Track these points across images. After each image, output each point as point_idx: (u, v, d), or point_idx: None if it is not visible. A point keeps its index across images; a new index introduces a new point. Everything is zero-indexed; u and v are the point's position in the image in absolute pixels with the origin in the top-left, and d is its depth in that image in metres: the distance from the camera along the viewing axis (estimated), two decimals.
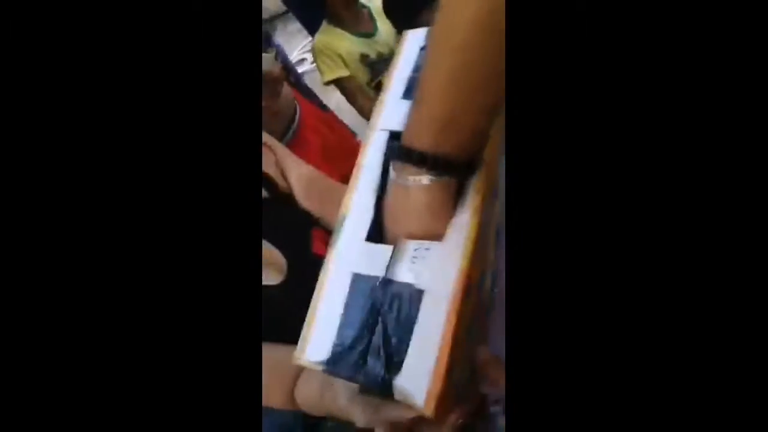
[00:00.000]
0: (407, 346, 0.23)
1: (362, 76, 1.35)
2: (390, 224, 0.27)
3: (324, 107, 1.41)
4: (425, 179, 0.25)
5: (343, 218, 0.27)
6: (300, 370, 0.46)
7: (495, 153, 0.28)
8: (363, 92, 1.35)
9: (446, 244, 0.25)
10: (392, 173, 0.27)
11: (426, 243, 0.25)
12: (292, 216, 0.58)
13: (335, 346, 0.24)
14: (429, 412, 0.22)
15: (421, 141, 0.25)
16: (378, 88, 1.31)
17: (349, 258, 0.26)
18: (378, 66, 1.32)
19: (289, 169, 0.60)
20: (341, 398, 0.31)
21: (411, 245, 0.25)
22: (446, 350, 0.22)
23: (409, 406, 0.24)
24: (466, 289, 0.24)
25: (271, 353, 0.47)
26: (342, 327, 0.24)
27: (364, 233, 0.26)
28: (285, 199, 0.59)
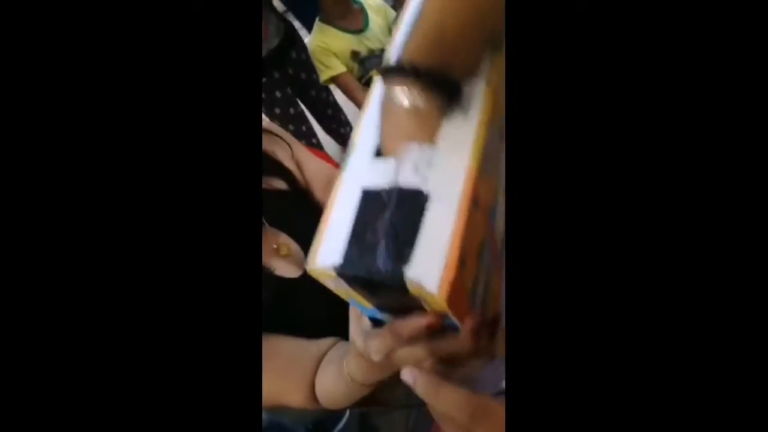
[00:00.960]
0: (416, 241, 0.23)
1: (353, 73, 1.36)
2: (386, 138, 0.28)
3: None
4: (415, 91, 0.25)
5: (354, 144, 0.28)
6: (318, 364, 0.45)
7: (500, 80, 0.29)
8: (361, 86, 1.35)
9: (451, 151, 0.25)
10: (384, 89, 0.28)
11: (428, 150, 0.25)
12: (310, 210, 0.57)
13: (346, 250, 0.24)
14: (443, 297, 0.22)
15: (412, 55, 0.26)
16: (368, 84, 1.31)
17: (358, 174, 0.27)
18: (369, 62, 1.33)
19: (305, 163, 0.61)
20: (358, 339, 0.31)
21: (414, 154, 0.26)
22: (458, 242, 0.23)
23: (425, 312, 0.25)
24: (474, 187, 0.24)
25: (288, 349, 0.47)
26: (352, 234, 0.25)
27: (372, 151, 0.27)
28: (303, 192, 0.59)
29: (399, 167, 0.25)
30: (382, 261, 0.23)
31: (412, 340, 0.27)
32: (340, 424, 0.65)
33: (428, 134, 0.26)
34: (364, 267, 0.24)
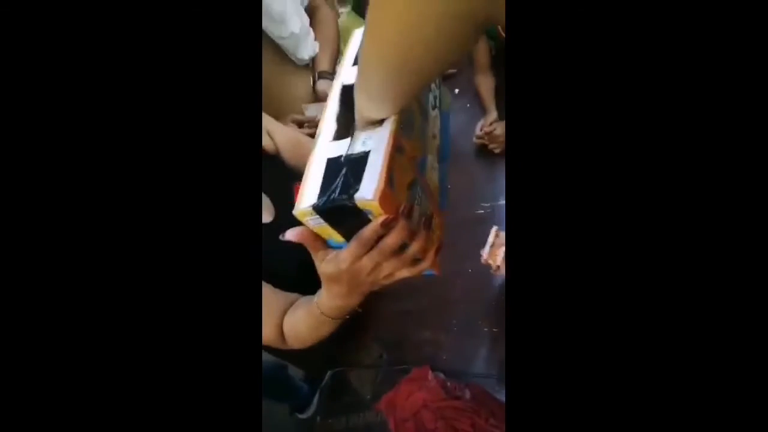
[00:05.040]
0: (361, 177, 0.35)
1: None
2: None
3: None
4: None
5: (319, 132, 0.40)
6: (286, 308, 0.53)
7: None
8: None
9: (382, 130, 0.37)
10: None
11: (370, 131, 0.37)
12: (278, 171, 0.65)
13: (318, 195, 0.36)
14: (377, 199, 0.33)
15: (359, 105, 0.37)
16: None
17: (323, 151, 0.38)
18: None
19: (274, 132, 0.68)
20: (327, 265, 0.40)
21: (362, 134, 0.38)
22: (385, 166, 0.34)
23: (369, 221, 0.35)
24: (395, 141, 0.36)
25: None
26: (321, 186, 0.36)
27: (331, 137, 0.39)
28: (271, 157, 0.66)
29: (353, 143, 0.37)
30: (338, 193, 0.35)
31: (370, 242, 0.37)
32: (323, 381, 0.73)
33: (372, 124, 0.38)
34: (329, 200, 0.35)
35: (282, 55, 0.94)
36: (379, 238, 0.37)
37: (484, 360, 0.62)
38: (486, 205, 0.83)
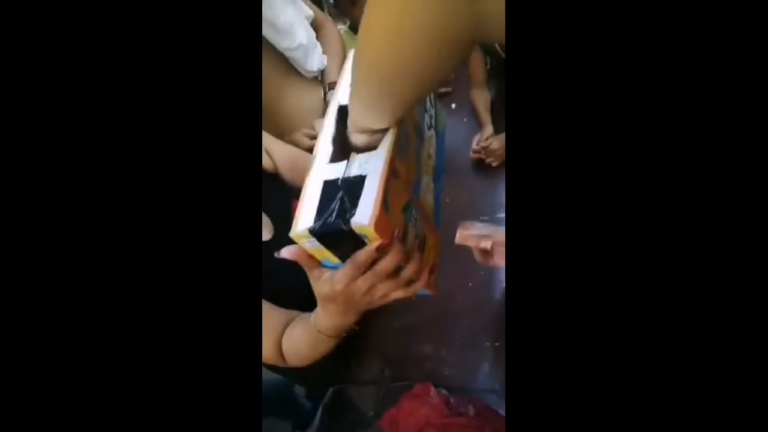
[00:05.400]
0: (358, 202, 0.35)
1: None
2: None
3: None
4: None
5: (315, 156, 0.40)
6: (285, 326, 0.53)
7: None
8: None
9: (378, 153, 0.38)
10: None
11: (366, 155, 0.38)
12: (277, 190, 0.65)
13: (314, 218, 0.36)
14: (372, 225, 0.33)
15: (354, 114, 0.37)
16: None
17: (320, 173, 0.39)
18: None
19: (273, 151, 0.69)
20: (322, 286, 0.40)
21: (359, 157, 0.38)
22: (381, 191, 0.35)
23: (364, 244, 0.36)
24: (391, 165, 0.37)
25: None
26: (318, 208, 0.36)
27: (327, 159, 0.39)
28: (270, 176, 0.67)
29: (349, 166, 0.38)
30: (335, 217, 0.35)
31: (365, 265, 0.37)
32: (326, 398, 0.73)
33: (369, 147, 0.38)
34: (325, 224, 0.35)
35: (291, 68, 0.94)
36: (374, 261, 0.38)
37: (486, 375, 0.62)
38: (485, 218, 0.83)
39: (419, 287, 0.42)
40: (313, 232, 0.36)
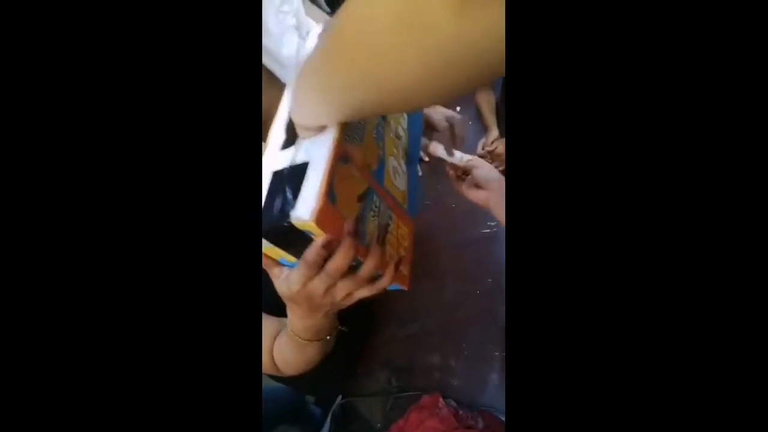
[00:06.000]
0: (299, 193, 0.32)
1: None
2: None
3: None
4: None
5: (267, 143, 0.38)
6: (277, 332, 0.53)
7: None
8: None
9: (323, 137, 0.34)
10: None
11: (312, 139, 0.34)
12: None
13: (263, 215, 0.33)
14: (313, 220, 0.30)
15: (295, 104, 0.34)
16: None
17: (271, 162, 0.36)
18: None
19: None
20: (281, 286, 0.39)
21: (304, 142, 0.35)
22: (324, 181, 0.31)
23: (311, 241, 0.33)
24: (338, 149, 0.33)
25: None
26: (265, 204, 0.33)
27: (279, 146, 0.37)
28: None
29: (295, 152, 0.35)
30: (276, 212, 0.32)
31: (316, 264, 0.35)
32: (334, 407, 0.72)
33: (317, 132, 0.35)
34: (268, 221, 0.32)
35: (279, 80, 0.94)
36: (326, 258, 0.34)
37: (495, 386, 0.61)
38: (492, 224, 0.82)
39: (386, 283, 0.38)
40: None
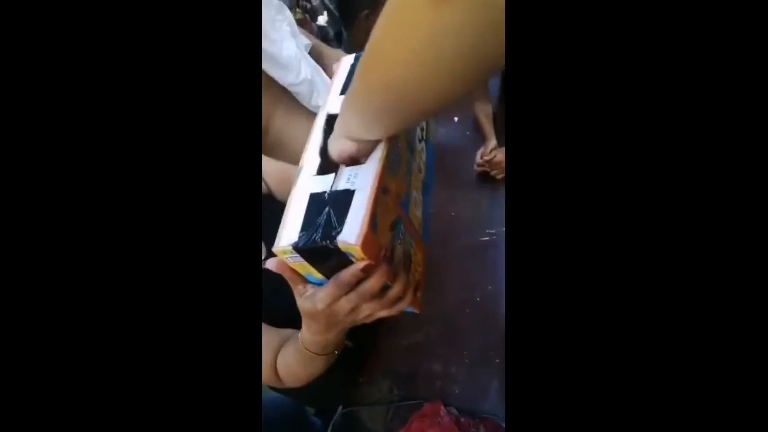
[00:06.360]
0: (345, 218, 0.34)
1: None
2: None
3: None
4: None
5: (301, 168, 0.39)
6: (280, 347, 0.53)
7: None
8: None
9: (368, 168, 0.36)
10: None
11: (355, 168, 0.37)
12: (269, 211, 0.65)
13: (299, 233, 0.35)
14: (359, 244, 0.32)
15: (346, 126, 0.36)
16: None
17: (306, 185, 0.37)
18: None
19: (265, 172, 0.69)
20: (305, 303, 0.40)
21: (347, 170, 0.37)
22: (369, 209, 0.34)
23: (349, 262, 0.35)
24: (381, 181, 0.36)
25: None
26: (303, 223, 0.35)
27: (314, 171, 0.39)
28: (266, 198, 0.67)
29: (337, 180, 0.37)
30: (321, 234, 0.34)
31: (349, 285, 0.36)
32: (335, 417, 0.72)
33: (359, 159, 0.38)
34: (310, 240, 0.34)
35: (294, 103, 0.93)
36: (359, 281, 0.36)
37: (497, 393, 0.61)
38: (491, 231, 0.83)
39: (404, 306, 0.41)
40: (297, 248, 0.34)
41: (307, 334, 0.46)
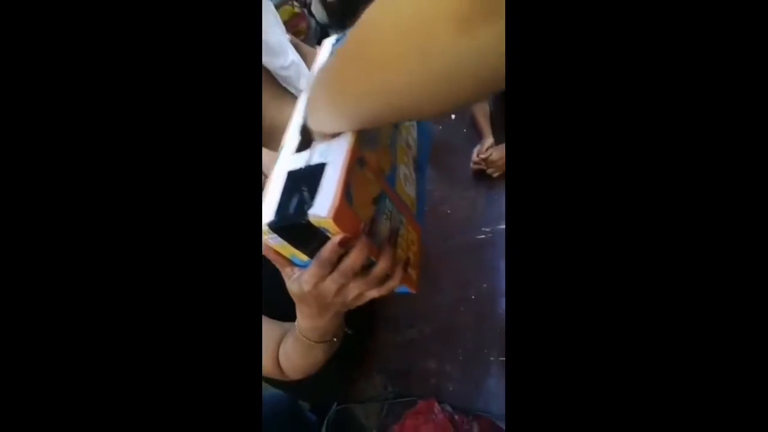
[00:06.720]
0: (317, 193, 0.33)
1: None
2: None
3: None
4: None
5: (282, 146, 0.39)
6: (282, 336, 0.53)
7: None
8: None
9: (340, 141, 0.35)
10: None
11: (327, 142, 0.35)
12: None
13: (275, 212, 0.34)
14: (331, 217, 0.31)
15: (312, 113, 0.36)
16: None
17: (284, 164, 0.37)
18: None
19: (267, 167, 0.69)
20: (292, 285, 0.39)
21: (319, 146, 0.36)
22: (342, 180, 0.32)
23: (327, 239, 0.34)
24: (355, 152, 0.34)
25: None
26: (279, 202, 0.34)
27: (294, 149, 0.38)
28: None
29: (311, 154, 0.36)
30: (293, 210, 0.33)
31: (330, 262, 0.35)
32: (330, 413, 0.72)
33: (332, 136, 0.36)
34: (283, 218, 0.33)
35: (283, 90, 0.95)
36: (341, 257, 0.35)
37: (491, 391, 0.61)
38: (487, 229, 0.83)
39: (394, 284, 0.39)
40: (272, 226, 0.33)
41: (302, 320, 0.46)
